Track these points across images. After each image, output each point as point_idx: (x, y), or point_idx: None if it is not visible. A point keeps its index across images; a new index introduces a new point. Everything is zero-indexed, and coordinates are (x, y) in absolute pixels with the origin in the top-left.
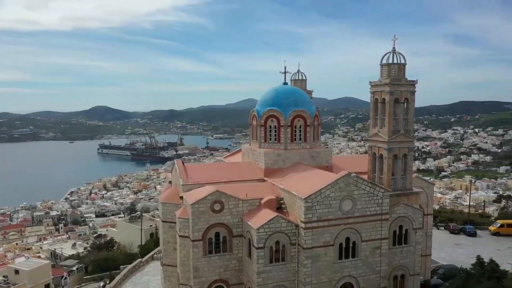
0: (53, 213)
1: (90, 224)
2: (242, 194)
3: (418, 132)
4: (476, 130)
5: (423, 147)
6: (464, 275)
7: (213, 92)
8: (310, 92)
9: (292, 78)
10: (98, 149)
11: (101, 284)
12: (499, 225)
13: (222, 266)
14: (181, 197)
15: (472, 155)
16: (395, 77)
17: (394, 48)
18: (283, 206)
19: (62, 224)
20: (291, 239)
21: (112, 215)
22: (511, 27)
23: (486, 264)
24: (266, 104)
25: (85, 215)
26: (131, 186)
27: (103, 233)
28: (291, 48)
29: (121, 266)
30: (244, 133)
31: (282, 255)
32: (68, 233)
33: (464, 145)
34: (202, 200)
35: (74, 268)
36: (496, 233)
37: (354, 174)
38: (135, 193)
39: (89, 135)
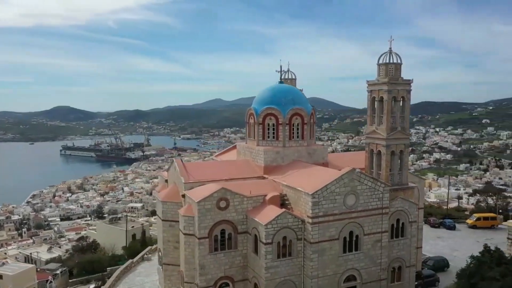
0: (15, 217)
1: (55, 228)
2: (245, 191)
3: None
4: (437, 129)
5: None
6: (476, 262)
7: (180, 92)
8: (300, 91)
9: (282, 77)
10: (61, 150)
11: (91, 286)
12: (475, 218)
13: (227, 263)
14: (183, 196)
15: (434, 153)
16: (393, 76)
17: (390, 48)
18: (286, 202)
19: (25, 229)
20: (297, 234)
21: (78, 218)
22: (469, 31)
23: (493, 251)
24: (264, 103)
25: (49, 219)
26: (97, 188)
27: (85, 235)
28: (258, 49)
29: (107, 268)
30: (212, 133)
31: (289, 250)
32: (33, 237)
33: (426, 144)
34: (208, 198)
35: (58, 272)
36: (473, 226)
37: (358, 170)
38: (102, 195)
39: (51, 136)
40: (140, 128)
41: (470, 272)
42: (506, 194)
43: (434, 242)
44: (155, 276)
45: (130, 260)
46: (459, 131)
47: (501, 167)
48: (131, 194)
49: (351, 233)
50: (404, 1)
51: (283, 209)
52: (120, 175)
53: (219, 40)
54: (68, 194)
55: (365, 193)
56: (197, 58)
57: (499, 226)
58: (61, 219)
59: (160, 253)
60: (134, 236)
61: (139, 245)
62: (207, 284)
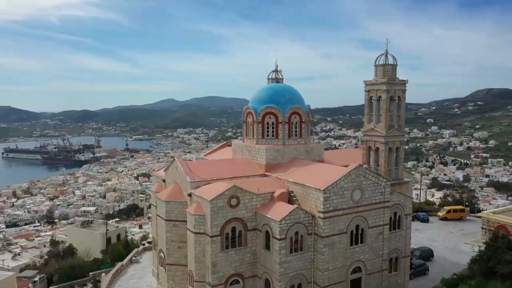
0: None
1: (0, 235)
2: (253, 189)
3: (335, 131)
4: None
5: (339, 146)
6: (491, 247)
7: (130, 92)
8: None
9: (269, 77)
10: (2, 153)
11: None
12: (446, 211)
13: (237, 260)
14: (189, 195)
15: None
16: (390, 77)
17: (386, 50)
18: (294, 198)
19: None
20: (308, 229)
21: (26, 224)
22: (412, 34)
23: (502, 238)
24: (263, 102)
25: None
26: (46, 192)
27: (60, 240)
28: (211, 48)
29: (90, 273)
30: (165, 134)
31: (300, 245)
32: None
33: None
34: (220, 196)
35: (37, 279)
36: (444, 218)
37: (365, 166)
38: (51, 199)
39: None
40: (89, 129)
41: (487, 256)
42: (470, 188)
43: (414, 234)
44: (148, 278)
45: (120, 263)
46: (406, 130)
47: (445, 164)
48: (83, 197)
49: (357, 226)
50: (352, 4)
51: (295, 205)
52: (70, 178)
53: (170, 39)
54: (14, 199)
55: (370, 188)
56: (148, 57)
57: (467, 217)
58: (7, 226)
59: (162, 254)
60: (109, 239)
61: (121, 248)
62: (219, 282)
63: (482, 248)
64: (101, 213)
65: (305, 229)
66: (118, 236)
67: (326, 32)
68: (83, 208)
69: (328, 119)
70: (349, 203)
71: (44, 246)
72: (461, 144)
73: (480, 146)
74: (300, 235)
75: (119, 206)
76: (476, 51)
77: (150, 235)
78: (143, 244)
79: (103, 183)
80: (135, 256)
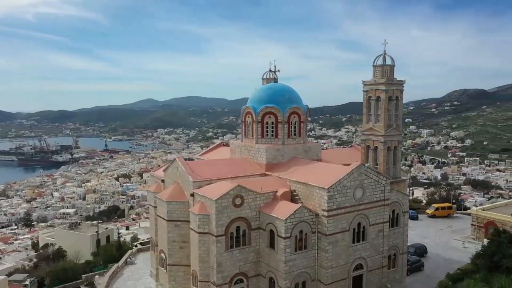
0: None
1: None
2: (256, 188)
3: (315, 131)
4: None
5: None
6: (495, 242)
7: (109, 92)
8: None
9: (264, 77)
10: None
11: None
12: (434, 208)
13: (242, 259)
14: (192, 194)
15: None
16: (388, 77)
17: (384, 51)
18: (296, 197)
19: None
20: (312, 228)
21: (3, 227)
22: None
23: (504, 233)
24: (263, 102)
25: None
26: (23, 194)
27: (49, 243)
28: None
29: (83, 276)
30: (145, 134)
31: (305, 243)
32: None
33: (356, 142)
34: (225, 196)
35: (27, 282)
36: (432, 216)
37: (368, 165)
38: (29, 201)
39: None
40: (66, 129)
41: (492, 251)
42: (456, 185)
43: None
44: (146, 279)
45: (116, 265)
46: None
47: (423, 163)
48: (62, 199)
49: (359, 224)
50: (331, 6)
51: (300, 204)
52: (47, 179)
53: (150, 38)
54: None
55: (371, 186)
56: (127, 57)
57: (454, 214)
58: None
59: (163, 255)
60: (99, 241)
61: (114, 249)
62: (223, 281)
63: (485, 244)
64: (81, 215)
65: (309, 227)
66: (108, 237)
67: (305, 32)
68: (62, 210)
69: (309, 119)
70: (352, 201)
71: (26, 249)
72: (438, 143)
73: (457, 145)
74: (304, 233)
75: (99, 207)
76: (452, 53)
77: (140, 237)
78: (136, 246)
79: (83, 185)
80: (130, 258)
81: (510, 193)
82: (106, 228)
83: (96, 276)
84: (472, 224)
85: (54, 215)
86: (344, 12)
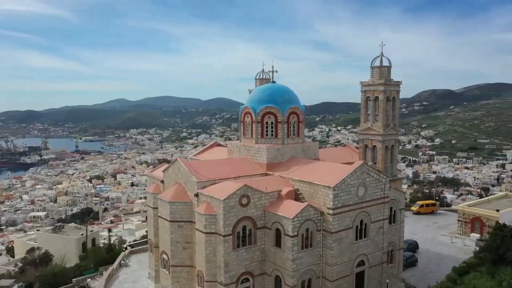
0: None
1: None
2: (261, 188)
3: None
4: (338, 128)
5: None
6: (499, 236)
7: (78, 92)
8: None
9: (257, 77)
10: None
11: None
12: (419, 205)
13: (248, 258)
14: (196, 195)
15: None
16: (386, 78)
17: (382, 53)
18: (300, 196)
19: None
20: (317, 226)
21: None
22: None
23: (505, 227)
24: (262, 102)
25: None
26: None
27: (35, 247)
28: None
29: (73, 280)
30: (117, 135)
31: (310, 241)
32: None
33: (330, 142)
34: (232, 195)
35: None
36: (417, 212)
37: (370, 163)
38: None
39: None
40: (34, 130)
41: (497, 245)
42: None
43: None
44: (143, 281)
45: (111, 267)
46: (358, 129)
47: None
48: (32, 202)
49: (361, 221)
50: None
51: (306, 203)
52: (16, 182)
53: (121, 37)
54: None
55: (372, 185)
56: (97, 56)
57: (438, 211)
58: None
59: (165, 256)
60: (84, 244)
61: (104, 252)
62: (231, 281)
63: (487, 238)
64: (52, 218)
65: (315, 225)
66: (94, 240)
67: (279, 33)
68: (32, 214)
69: None
70: (355, 200)
71: (1, 254)
72: (409, 142)
73: (427, 144)
74: (310, 231)
75: (71, 210)
76: (421, 54)
77: (126, 238)
78: (126, 248)
79: (54, 187)
80: (123, 260)
81: (478, 190)
82: (92, 231)
83: (88, 280)
84: (458, 220)
85: (24, 218)
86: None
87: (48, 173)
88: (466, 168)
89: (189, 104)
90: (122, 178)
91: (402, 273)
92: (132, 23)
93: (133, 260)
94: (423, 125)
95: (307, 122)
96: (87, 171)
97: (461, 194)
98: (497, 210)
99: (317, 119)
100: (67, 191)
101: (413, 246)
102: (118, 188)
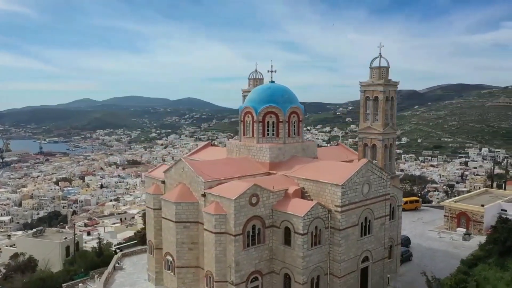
0: None
1: None
2: (267, 187)
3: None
4: (308, 127)
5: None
6: (506, 229)
7: (41, 91)
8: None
9: (250, 77)
10: None
11: None
12: (403, 202)
13: (257, 257)
14: (203, 195)
15: None
16: (385, 78)
17: (380, 53)
18: (306, 194)
19: None
20: (325, 223)
21: None
22: (328, 37)
23: (508, 221)
24: (263, 101)
25: None
26: None
27: (19, 252)
28: (130, 47)
29: (63, 285)
30: (83, 136)
31: (319, 238)
32: None
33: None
34: (243, 195)
35: None
36: (402, 209)
37: (375, 161)
38: None
39: None
40: None
41: (504, 237)
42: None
43: None
44: (141, 283)
45: (107, 271)
46: (328, 129)
47: None
48: None
49: (365, 218)
50: (272, 7)
51: (315, 201)
52: None
53: (86, 35)
54: None
55: (375, 182)
56: (61, 54)
57: (421, 207)
58: None
59: (169, 257)
60: (68, 248)
61: (93, 255)
62: (241, 280)
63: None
64: (17, 223)
65: (323, 223)
66: (77, 244)
67: (247, 33)
68: None
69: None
70: (360, 197)
71: None
72: None
73: None
74: (319, 229)
75: (38, 214)
76: (387, 55)
77: (111, 241)
78: (115, 252)
79: (18, 190)
80: (118, 263)
81: (444, 187)
82: (75, 234)
83: (80, 284)
84: (445, 215)
85: None
86: (285, 14)
87: (11, 176)
88: (432, 166)
89: (158, 104)
90: (90, 180)
91: (399, 268)
92: (97, 21)
93: (126, 263)
94: None
95: None
96: (53, 174)
97: (429, 192)
98: (482, 205)
99: None
100: (32, 194)
101: (406, 241)
102: (86, 190)
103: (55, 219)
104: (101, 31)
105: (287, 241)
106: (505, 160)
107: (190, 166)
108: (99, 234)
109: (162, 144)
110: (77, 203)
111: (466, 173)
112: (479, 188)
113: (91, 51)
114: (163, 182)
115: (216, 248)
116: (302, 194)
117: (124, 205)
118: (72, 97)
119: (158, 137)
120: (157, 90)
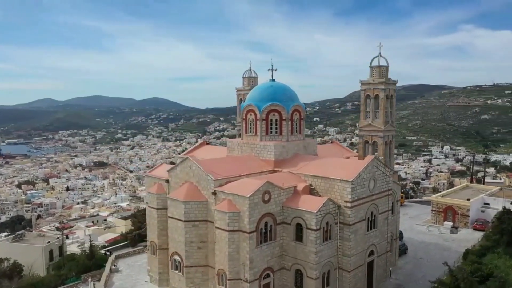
0: None
1: None
2: (277, 184)
3: (228, 131)
4: None
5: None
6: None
7: None
8: None
9: (245, 76)
10: None
11: None
12: None
13: (269, 254)
14: (214, 193)
15: None
16: (385, 77)
17: (380, 53)
18: (314, 191)
19: None
20: (335, 219)
21: None
22: (295, 38)
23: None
24: (266, 100)
25: None
26: None
27: (3, 257)
28: (94, 45)
29: None
30: (44, 137)
31: (330, 234)
32: None
33: None
34: (256, 192)
35: None
36: None
37: (381, 158)
38: None
39: None
40: None
41: (511, 229)
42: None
43: None
44: (141, 285)
45: (105, 273)
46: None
47: None
48: None
49: (371, 213)
50: (238, 7)
51: (326, 197)
52: None
53: (46, 33)
54: None
55: (380, 178)
56: (19, 52)
57: (404, 203)
58: None
59: (177, 257)
60: (51, 252)
61: (84, 258)
62: (254, 277)
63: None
64: None
65: (333, 218)
66: (61, 248)
67: (214, 32)
68: None
69: (221, 118)
70: (367, 192)
71: None
72: (345, 140)
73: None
74: (330, 224)
75: None
76: (352, 56)
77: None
78: (105, 254)
79: None
80: (114, 265)
81: (410, 184)
82: (58, 238)
83: None
84: (432, 210)
85: None
86: (251, 14)
87: None
88: (398, 163)
89: (123, 104)
90: (55, 182)
91: (398, 261)
92: (59, 18)
93: (121, 265)
94: (357, 124)
95: None
96: (14, 176)
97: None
98: (468, 199)
99: None
100: None
101: (400, 236)
102: (51, 193)
103: (18, 224)
104: (64, 29)
105: (299, 237)
106: (465, 157)
107: (199, 164)
108: (67, 238)
109: (128, 145)
110: (41, 207)
111: (430, 170)
112: (443, 184)
113: (52, 50)
114: (167, 181)
115: (230, 246)
116: (310, 190)
117: (92, 208)
118: (32, 97)
119: (124, 137)
120: (122, 89)
